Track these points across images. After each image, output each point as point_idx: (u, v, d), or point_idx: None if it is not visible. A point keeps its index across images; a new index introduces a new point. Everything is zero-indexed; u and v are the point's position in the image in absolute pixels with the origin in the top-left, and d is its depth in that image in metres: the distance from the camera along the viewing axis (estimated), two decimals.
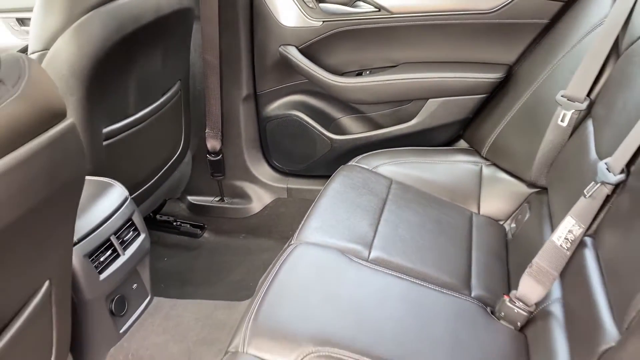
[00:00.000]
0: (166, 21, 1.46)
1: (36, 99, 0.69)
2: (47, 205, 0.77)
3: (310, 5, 1.76)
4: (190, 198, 2.13)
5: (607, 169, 1.03)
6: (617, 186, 1.02)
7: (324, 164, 1.94)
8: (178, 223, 2.07)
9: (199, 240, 2.06)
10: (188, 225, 2.07)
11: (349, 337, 1.00)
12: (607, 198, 1.04)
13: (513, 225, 1.54)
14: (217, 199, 2.10)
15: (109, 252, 1.21)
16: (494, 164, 1.64)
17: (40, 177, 0.72)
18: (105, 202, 1.24)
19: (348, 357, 0.97)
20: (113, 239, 1.22)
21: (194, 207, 2.13)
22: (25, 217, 0.73)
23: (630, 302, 0.82)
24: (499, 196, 1.57)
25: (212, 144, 1.96)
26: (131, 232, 1.29)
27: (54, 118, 0.73)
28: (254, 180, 2.05)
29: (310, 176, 2.02)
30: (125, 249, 1.25)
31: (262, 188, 2.05)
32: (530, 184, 1.52)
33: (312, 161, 1.99)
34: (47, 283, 0.90)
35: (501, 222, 1.56)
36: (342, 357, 0.96)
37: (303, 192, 2.01)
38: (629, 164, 1.01)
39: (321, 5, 1.76)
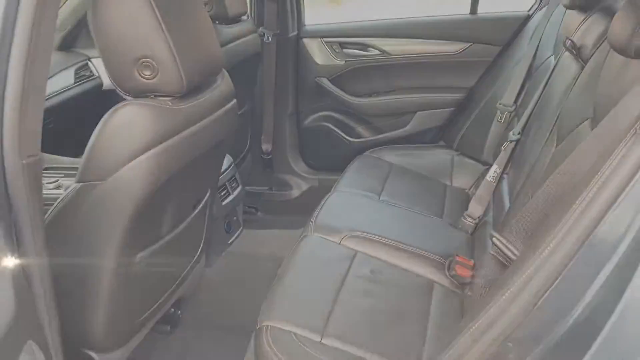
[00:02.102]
0: (251, 58, 2.28)
1: (227, 85, 1.50)
2: (220, 144, 1.56)
3: (337, 50, 2.56)
4: (247, 187, 2.75)
5: (512, 134, 1.82)
6: (517, 143, 1.81)
7: (344, 160, 2.42)
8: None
9: (255, 217, 2.73)
10: (246, 207, 2.70)
11: (369, 227, 1.75)
12: (513, 150, 1.83)
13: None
14: (267, 188, 2.78)
15: (224, 192, 1.99)
16: (462, 153, 2.41)
17: (224, 125, 1.51)
18: None
19: (369, 236, 1.71)
20: (227, 184, 1.99)
21: (250, 194, 2.76)
22: (214, 146, 1.51)
23: (515, 197, 1.59)
24: (464, 173, 2.31)
25: (266, 147, 2.67)
26: (235, 183, 2.07)
27: (231, 97, 1.53)
28: (294, 173, 2.75)
29: (335, 169, 2.59)
30: (232, 191, 2.03)
31: (300, 179, 2.75)
32: (484, 163, 2.28)
33: (337, 158, 2.65)
34: (209, 191, 1.67)
35: (466, 190, 2.32)
36: (365, 236, 1.71)
37: (330, 181, 2.48)
38: (523, 129, 1.80)
39: (344, 50, 2.56)
